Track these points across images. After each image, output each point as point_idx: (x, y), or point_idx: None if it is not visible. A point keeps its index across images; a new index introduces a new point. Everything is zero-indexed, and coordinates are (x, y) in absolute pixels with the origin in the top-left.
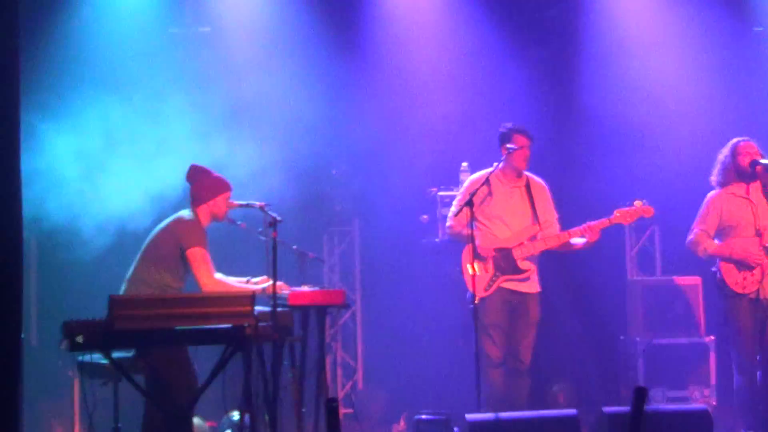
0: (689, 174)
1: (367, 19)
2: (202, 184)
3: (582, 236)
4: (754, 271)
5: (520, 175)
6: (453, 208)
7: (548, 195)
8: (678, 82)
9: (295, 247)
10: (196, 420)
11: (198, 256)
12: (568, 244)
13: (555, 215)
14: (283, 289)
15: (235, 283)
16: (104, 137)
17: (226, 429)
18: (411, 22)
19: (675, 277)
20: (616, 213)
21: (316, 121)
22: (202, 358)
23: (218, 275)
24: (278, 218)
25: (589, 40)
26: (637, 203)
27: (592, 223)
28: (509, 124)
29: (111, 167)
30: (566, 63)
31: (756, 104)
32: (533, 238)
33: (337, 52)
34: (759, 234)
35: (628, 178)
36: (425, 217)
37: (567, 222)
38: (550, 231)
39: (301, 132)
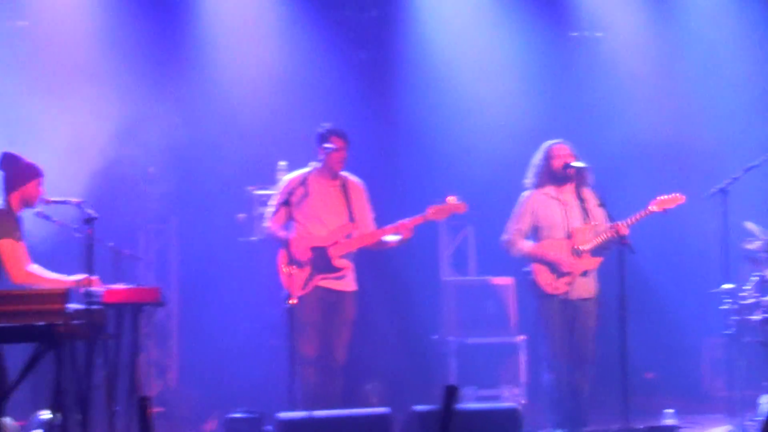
0: (504, 175)
1: (186, 16)
2: (13, 170)
3: (396, 234)
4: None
5: (336, 176)
6: (270, 208)
7: (365, 193)
8: (494, 83)
9: (111, 244)
10: (5, 419)
11: (7, 249)
12: (382, 242)
13: (371, 214)
14: (98, 285)
15: (52, 276)
16: None
17: (35, 428)
18: (229, 19)
19: (488, 277)
20: (429, 209)
21: (133, 119)
22: (13, 355)
23: (34, 266)
24: (94, 215)
25: (408, 42)
26: (450, 199)
27: (406, 220)
28: (327, 125)
29: None
30: (385, 63)
31: (571, 107)
32: (349, 236)
33: (156, 48)
34: (569, 236)
35: (443, 178)
36: (242, 215)
37: (383, 220)
38: (366, 229)
39: (118, 129)
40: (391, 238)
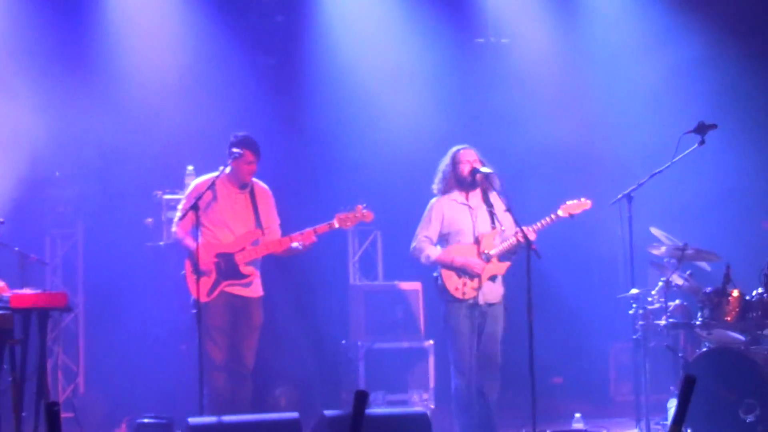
0: (411, 180)
1: (93, 19)
2: None
3: (300, 242)
4: (473, 278)
5: (245, 185)
6: (178, 213)
7: (272, 200)
8: (400, 89)
9: (16, 248)
10: None
11: None
12: (288, 249)
13: (277, 221)
14: (4, 290)
15: None
16: None
17: None
18: (136, 23)
19: (396, 282)
20: (337, 218)
21: (40, 123)
22: None
23: None
24: (0, 219)
25: (314, 47)
26: (358, 208)
27: (312, 228)
28: (241, 134)
29: None
30: (291, 68)
31: (477, 112)
32: (256, 243)
33: (62, 52)
34: (477, 241)
35: (350, 183)
36: (150, 220)
37: (290, 226)
38: (272, 236)
39: (24, 133)
40: (295, 245)
